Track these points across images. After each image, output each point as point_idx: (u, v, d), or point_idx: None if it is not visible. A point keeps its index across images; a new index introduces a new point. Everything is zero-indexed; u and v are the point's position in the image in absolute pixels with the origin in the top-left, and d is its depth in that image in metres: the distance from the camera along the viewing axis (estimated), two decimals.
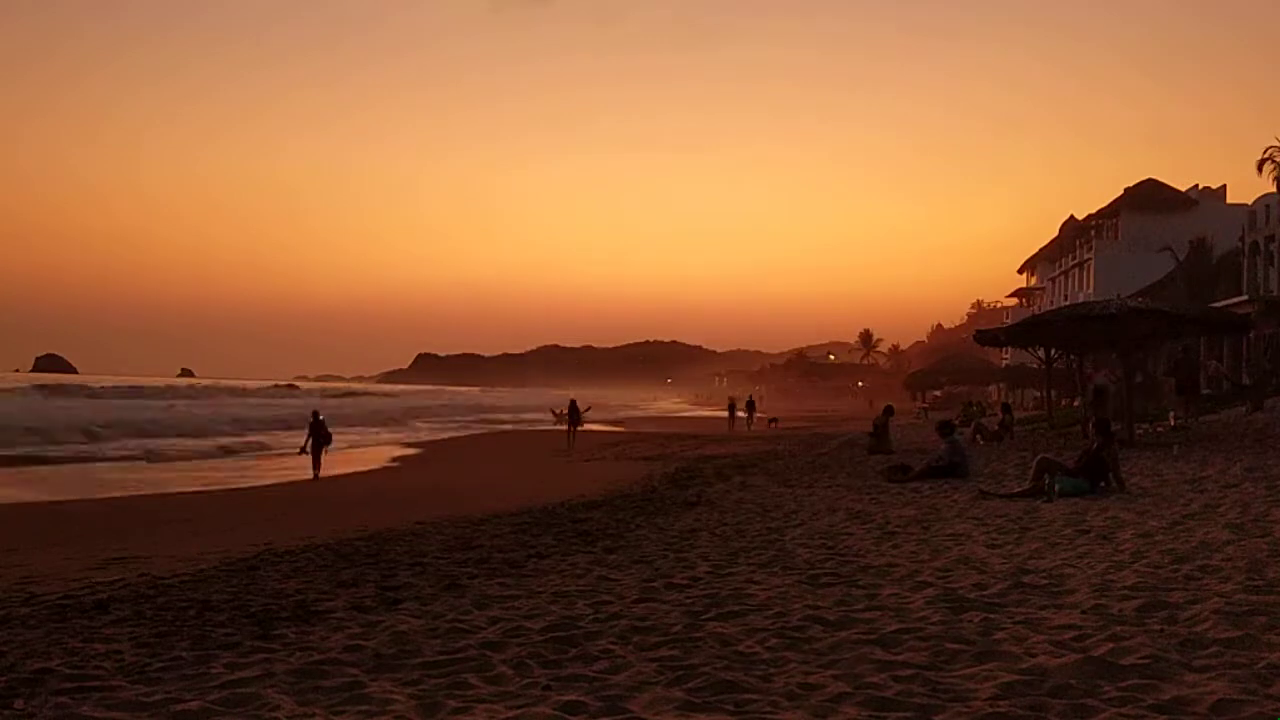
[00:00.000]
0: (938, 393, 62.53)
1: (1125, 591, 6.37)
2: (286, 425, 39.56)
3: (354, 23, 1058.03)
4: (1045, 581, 6.87)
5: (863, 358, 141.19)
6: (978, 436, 23.05)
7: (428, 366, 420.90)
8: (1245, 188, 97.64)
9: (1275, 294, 36.40)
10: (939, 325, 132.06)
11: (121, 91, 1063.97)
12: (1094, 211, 64.82)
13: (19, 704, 4.51)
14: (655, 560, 8.40)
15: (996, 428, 24.96)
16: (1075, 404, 32.89)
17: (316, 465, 21.38)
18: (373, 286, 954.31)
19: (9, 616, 6.48)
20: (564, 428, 34.88)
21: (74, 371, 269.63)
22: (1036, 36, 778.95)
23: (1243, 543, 8.03)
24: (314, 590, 7.25)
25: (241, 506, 16.01)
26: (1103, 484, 12.38)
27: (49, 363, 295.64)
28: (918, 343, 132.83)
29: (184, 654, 5.38)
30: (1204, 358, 33.37)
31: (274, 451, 30.51)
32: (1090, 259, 59.92)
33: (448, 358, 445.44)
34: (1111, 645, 5.02)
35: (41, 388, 68.05)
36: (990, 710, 4.14)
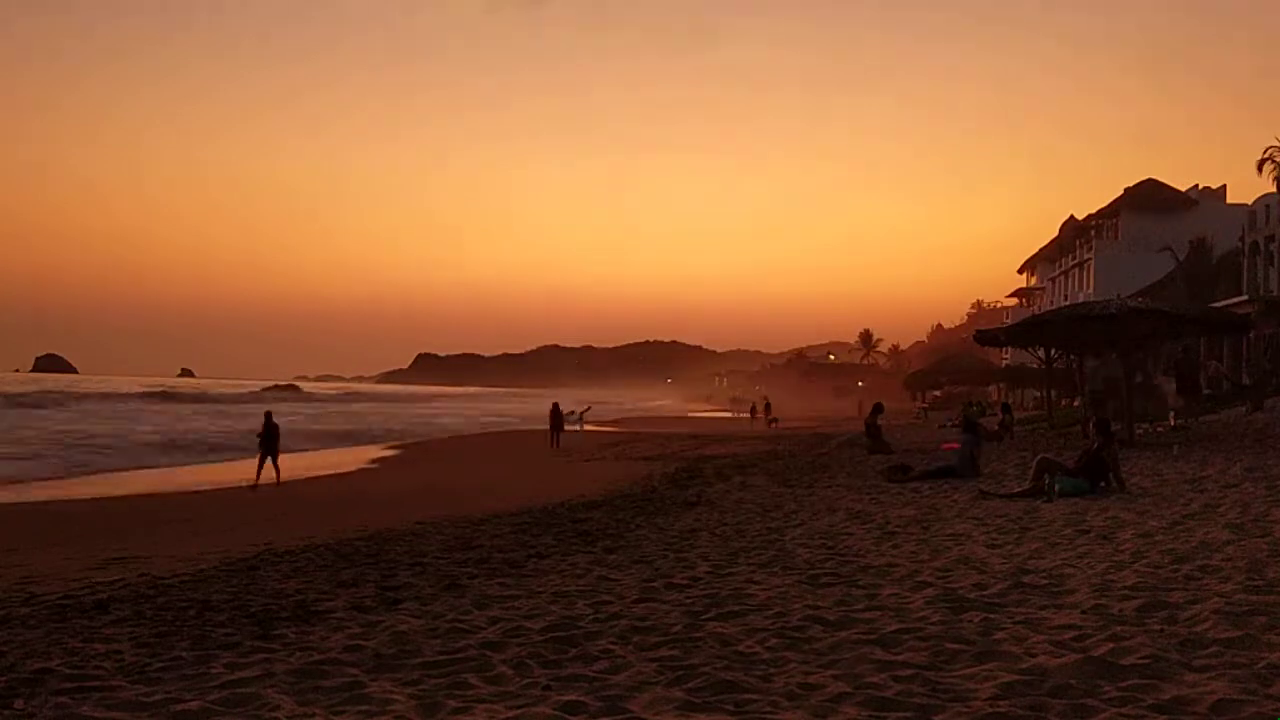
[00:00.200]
0: (938, 393, 62.41)
1: (1125, 591, 6.37)
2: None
3: (354, 24, 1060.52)
4: (1045, 581, 6.86)
5: (863, 358, 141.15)
6: None
7: (428, 366, 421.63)
8: (1245, 188, 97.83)
9: (1275, 294, 36.40)
10: (939, 325, 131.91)
11: (122, 91, 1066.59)
12: (1094, 211, 64.78)
13: (19, 704, 4.51)
14: (655, 560, 8.40)
15: (996, 428, 24.97)
16: (1075, 404, 32.90)
17: (276, 467, 20.76)
18: (373, 286, 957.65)
19: (9, 616, 6.47)
20: (569, 428, 36.81)
21: (74, 371, 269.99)
22: (1036, 39, 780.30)
23: (1243, 543, 8.03)
24: (314, 590, 7.24)
25: (241, 506, 16.02)
26: (1103, 484, 12.37)
27: (49, 363, 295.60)
28: (918, 343, 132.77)
29: (184, 654, 5.38)
30: (1204, 358, 33.39)
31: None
32: (1090, 259, 59.90)
33: (448, 358, 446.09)
34: (1111, 645, 5.02)
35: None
36: (990, 710, 4.13)
